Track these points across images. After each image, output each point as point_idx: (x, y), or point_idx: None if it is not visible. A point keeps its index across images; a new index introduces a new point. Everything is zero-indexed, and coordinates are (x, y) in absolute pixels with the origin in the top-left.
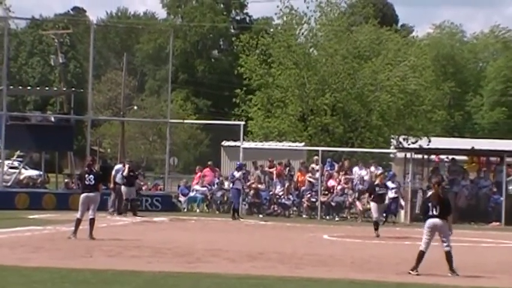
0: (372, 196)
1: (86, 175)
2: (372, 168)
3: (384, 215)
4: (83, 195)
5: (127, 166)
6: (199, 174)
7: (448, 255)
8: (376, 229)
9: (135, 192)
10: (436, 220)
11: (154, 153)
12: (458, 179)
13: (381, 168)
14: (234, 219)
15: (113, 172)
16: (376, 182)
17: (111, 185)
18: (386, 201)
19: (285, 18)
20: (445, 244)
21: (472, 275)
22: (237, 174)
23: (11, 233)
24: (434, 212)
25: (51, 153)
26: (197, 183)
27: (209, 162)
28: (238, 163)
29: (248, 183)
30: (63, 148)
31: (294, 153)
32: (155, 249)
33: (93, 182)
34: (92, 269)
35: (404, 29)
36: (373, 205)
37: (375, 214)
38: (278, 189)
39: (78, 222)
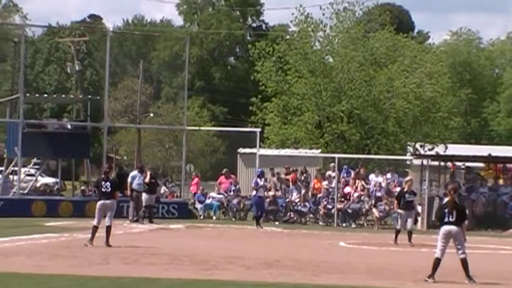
0: (401, 203)
1: (103, 182)
2: (389, 175)
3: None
4: (99, 203)
5: (149, 173)
6: (196, 180)
7: (464, 263)
8: (396, 237)
9: (154, 199)
10: (451, 227)
11: (171, 160)
12: (476, 186)
13: (396, 175)
14: (257, 226)
15: (129, 179)
16: (405, 189)
17: (128, 192)
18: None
19: (301, 26)
20: (460, 252)
21: (489, 282)
22: (261, 181)
23: (28, 241)
24: (450, 219)
25: (68, 161)
26: (194, 190)
27: (224, 170)
28: (259, 170)
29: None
30: (79, 155)
31: (310, 160)
32: (172, 256)
33: (109, 189)
34: (109, 277)
35: (421, 35)
36: (400, 212)
37: (399, 222)
38: (294, 196)
39: (95, 229)
